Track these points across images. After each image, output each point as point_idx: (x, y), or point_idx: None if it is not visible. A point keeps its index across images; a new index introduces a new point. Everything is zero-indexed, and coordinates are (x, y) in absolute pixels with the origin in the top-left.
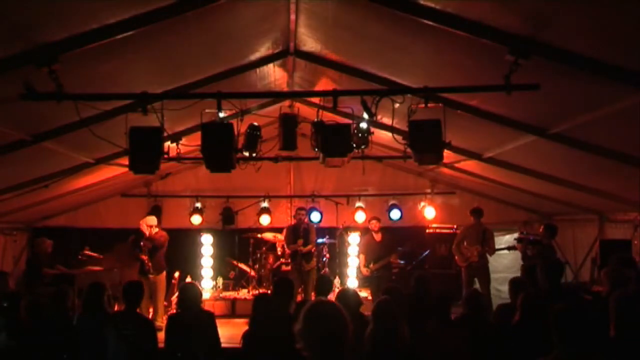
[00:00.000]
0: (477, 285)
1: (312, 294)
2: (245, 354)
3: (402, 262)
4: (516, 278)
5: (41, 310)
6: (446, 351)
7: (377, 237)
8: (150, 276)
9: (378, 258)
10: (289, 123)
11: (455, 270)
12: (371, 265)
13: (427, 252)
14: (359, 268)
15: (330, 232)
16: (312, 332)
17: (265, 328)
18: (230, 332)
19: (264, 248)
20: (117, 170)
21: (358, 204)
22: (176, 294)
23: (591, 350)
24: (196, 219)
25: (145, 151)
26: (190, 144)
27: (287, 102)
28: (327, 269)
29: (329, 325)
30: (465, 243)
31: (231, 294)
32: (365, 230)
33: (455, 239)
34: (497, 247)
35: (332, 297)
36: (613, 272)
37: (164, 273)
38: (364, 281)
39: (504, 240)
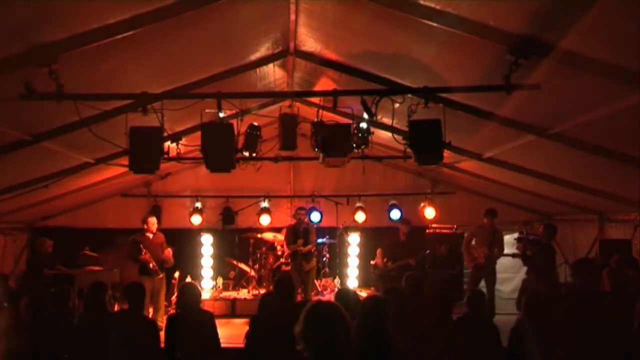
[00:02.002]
0: (482, 286)
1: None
2: (248, 353)
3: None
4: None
5: (41, 310)
6: (438, 351)
7: (402, 236)
8: (159, 277)
9: (397, 258)
10: (289, 123)
11: (456, 270)
12: (389, 264)
13: (427, 252)
14: (375, 264)
15: (330, 232)
16: (312, 333)
17: (267, 327)
18: (230, 332)
19: (264, 248)
20: (117, 170)
21: (358, 204)
22: (176, 294)
23: (594, 350)
24: (196, 219)
25: (145, 151)
26: (190, 144)
27: (287, 102)
28: (327, 269)
29: (329, 326)
30: (473, 242)
31: (231, 294)
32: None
33: (465, 239)
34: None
35: (330, 297)
36: (614, 272)
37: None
38: (374, 280)
39: (504, 240)
